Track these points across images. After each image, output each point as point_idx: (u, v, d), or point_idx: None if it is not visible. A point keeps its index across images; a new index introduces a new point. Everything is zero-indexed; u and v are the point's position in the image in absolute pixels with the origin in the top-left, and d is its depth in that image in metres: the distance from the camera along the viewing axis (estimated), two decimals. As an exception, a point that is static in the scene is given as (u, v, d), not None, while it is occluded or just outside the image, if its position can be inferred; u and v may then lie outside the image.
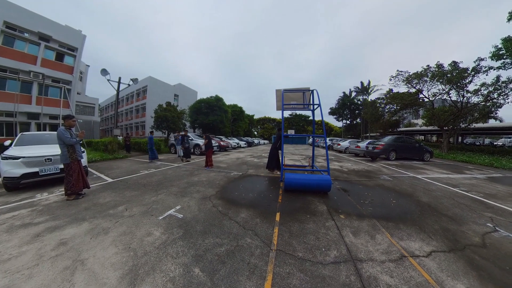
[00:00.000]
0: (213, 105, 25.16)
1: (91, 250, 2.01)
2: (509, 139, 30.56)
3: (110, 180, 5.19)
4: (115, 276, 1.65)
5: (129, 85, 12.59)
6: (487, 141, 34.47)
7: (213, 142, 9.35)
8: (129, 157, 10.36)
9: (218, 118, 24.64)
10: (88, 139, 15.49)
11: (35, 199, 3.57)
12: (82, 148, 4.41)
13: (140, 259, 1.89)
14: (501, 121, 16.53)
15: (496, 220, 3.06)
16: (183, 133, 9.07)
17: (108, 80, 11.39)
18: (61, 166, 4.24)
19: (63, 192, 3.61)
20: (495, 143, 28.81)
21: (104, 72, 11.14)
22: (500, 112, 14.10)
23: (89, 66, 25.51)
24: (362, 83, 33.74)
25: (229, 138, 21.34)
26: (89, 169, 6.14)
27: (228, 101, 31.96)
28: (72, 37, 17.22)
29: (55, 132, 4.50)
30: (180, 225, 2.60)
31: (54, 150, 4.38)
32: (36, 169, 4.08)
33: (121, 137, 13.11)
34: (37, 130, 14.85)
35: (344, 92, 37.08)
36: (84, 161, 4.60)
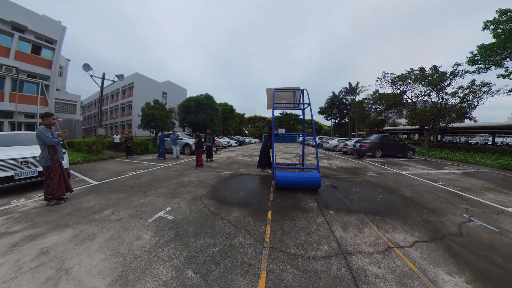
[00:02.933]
0: (203, 103, 24.67)
1: (76, 258, 1.90)
2: (482, 138, 33.26)
3: (94, 182, 4.94)
4: (103, 284, 1.58)
5: (114, 81, 11.99)
6: (463, 139, 37.20)
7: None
8: (115, 157, 9.92)
9: (208, 117, 24.21)
10: (70, 139, 14.56)
11: (11, 206, 3.31)
12: (63, 149, 4.14)
13: (129, 264, 1.83)
14: (475, 121, 17.90)
15: (471, 211, 3.33)
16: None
17: (91, 76, 10.76)
18: (40, 169, 3.95)
19: (43, 197, 3.37)
20: (470, 141, 31.24)
21: (86, 67, 10.50)
22: (474, 113, 15.34)
23: (69, 60, 23.92)
24: (350, 83, 34.76)
25: (220, 137, 21.12)
26: (71, 171, 5.80)
27: (219, 99, 31.59)
28: (50, 28, 15.93)
29: (33, 132, 4.19)
30: (170, 227, 2.55)
31: (31, 151, 4.07)
32: (10, 173, 3.76)
33: (117, 136, 12.28)
34: (11, 130, 13.73)
35: (333, 92, 38.01)
36: (65, 163, 4.32)
